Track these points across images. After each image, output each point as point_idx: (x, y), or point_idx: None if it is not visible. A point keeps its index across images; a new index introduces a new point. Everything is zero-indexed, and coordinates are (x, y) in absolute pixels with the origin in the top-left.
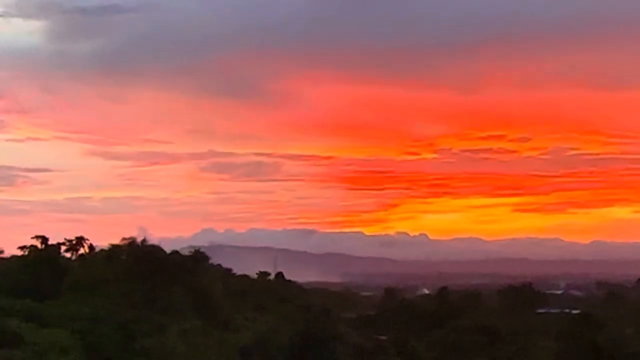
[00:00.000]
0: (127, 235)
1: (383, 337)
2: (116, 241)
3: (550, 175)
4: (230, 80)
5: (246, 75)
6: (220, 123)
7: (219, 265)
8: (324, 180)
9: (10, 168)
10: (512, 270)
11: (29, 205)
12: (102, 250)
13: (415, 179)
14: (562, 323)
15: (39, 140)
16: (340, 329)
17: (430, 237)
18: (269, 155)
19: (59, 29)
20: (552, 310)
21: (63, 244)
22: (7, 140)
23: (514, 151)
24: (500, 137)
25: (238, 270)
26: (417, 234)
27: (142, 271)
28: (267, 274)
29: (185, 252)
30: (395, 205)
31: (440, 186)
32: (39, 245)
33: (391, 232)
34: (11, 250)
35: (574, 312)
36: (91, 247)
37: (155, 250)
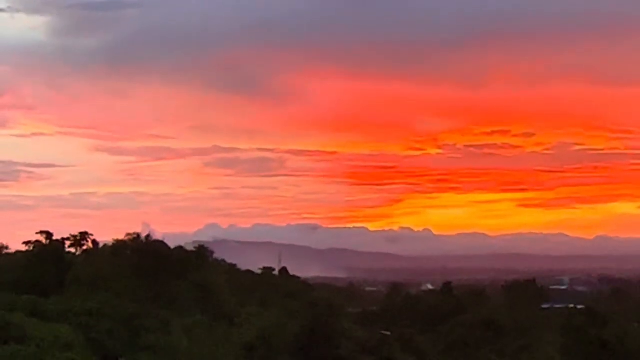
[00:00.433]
0: (131, 231)
1: (387, 333)
2: (120, 236)
3: (555, 170)
4: (235, 76)
5: (250, 71)
6: (225, 119)
7: (223, 260)
8: (328, 176)
9: (14, 163)
10: (517, 265)
11: (34, 200)
12: (106, 245)
13: (419, 174)
14: (566, 318)
15: (43, 136)
16: (344, 325)
17: (435, 232)
18: (273, 150)
19: (63, 25)
20: (557, 306)
21: (67, 239)
22: (11, 135)
23: (519, 147)
24: (504, 133)
25: (242, 265)
26: (421, 229)
27: (146, 267)
28: (271, 269)
29: (190, 248)
30: (399, 201)
31: (444, 181)
32: (44, 241)
33: (395, 227)
34: (16, 245)
35: (579, 307)
36: (95, 242)
37: (160, 245)
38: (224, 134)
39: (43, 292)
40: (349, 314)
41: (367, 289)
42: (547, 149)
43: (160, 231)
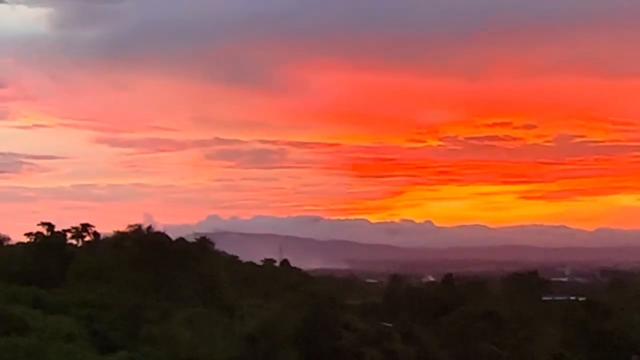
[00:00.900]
0: (132, 222)
1: (388, 324)
2: (122, 228)
3: (556, 162)
4: (236, 68)
5: (252, 63)
6: (226, 110)
7: (224, 252)
8: (330, 168)
9: (16, 155)
10: (518, 257)
11: (35, 192)
12: (107, 237)
13: (420, 166)
14: (567, 310)
15: (45, 127)
16: (345, 316)
17: (436, 224)
18: (274, 142)
19: (64, 16)
20: (558, 298)
21: (69, 230)
22: (12, 127)
23: (520, 138)
24: (505, 125)
25: (243, 257)
26: (422, 221)
27: (147, 258)
28: (272, 261)
29: (191, 239)
30: (400, 193)
31: (445, 173)
32: (45, 232)
33: (396, 219)
34: (17, 237)
35: (580, 299)
36: (96, 234)
37: (161, 237)
38: (225, 125)
39: (44, 283)
40: (350, 305)
41: (368, 280)
42: (548, 141)
43: (161, 223)
